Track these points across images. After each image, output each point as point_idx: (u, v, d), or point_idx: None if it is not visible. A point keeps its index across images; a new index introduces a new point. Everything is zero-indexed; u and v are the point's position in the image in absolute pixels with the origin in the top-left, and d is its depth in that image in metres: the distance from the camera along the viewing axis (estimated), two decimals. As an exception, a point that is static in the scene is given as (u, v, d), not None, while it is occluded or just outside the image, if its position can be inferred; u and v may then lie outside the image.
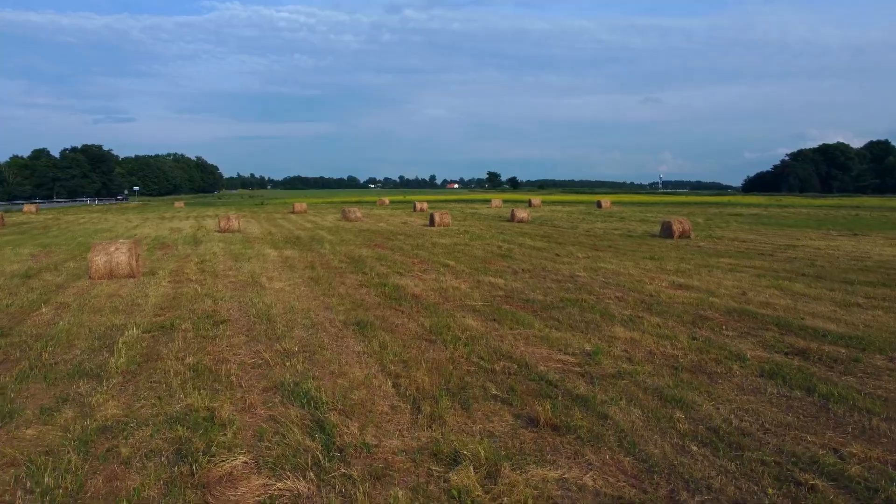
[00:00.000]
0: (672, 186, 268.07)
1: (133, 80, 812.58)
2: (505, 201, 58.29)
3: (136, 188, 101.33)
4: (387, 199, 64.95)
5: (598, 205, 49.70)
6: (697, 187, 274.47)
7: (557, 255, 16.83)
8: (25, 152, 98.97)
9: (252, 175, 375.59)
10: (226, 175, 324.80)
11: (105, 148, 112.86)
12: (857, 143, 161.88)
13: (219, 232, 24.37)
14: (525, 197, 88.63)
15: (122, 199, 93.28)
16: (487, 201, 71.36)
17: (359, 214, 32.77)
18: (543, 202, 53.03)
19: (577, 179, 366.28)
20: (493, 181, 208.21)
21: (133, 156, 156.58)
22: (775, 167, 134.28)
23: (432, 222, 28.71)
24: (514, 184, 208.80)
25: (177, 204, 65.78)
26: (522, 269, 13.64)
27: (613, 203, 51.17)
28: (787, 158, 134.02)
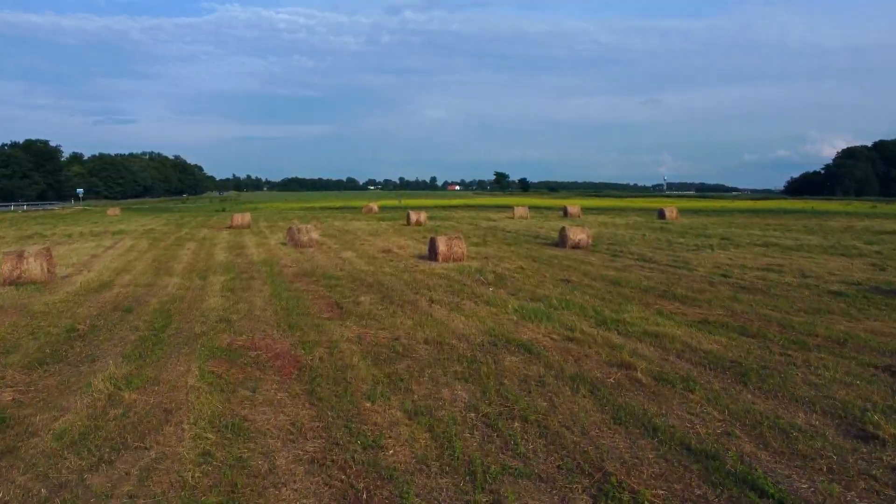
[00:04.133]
0: (675, 188, 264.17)
1: (133, 81, 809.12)
2: (532, 208, 45.57)
3: (79, 191, 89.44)
4: (375, 206, 52.96)
5: (661, 214, 37.86)
6: (702, 189, 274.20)
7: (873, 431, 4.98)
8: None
9: (248, 176, 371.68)
10: (221, 177, 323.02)
11: (53, 144, 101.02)
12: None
13: (1, 284, 12.52)
14: (548, 202, 76.04)
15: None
16: (504, 208, 59.33)
17: (314, 236, 20.99)
18: (583, 210, 41.00)
19: (579, 181, 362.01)
20: (500, 183, 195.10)
21: (97, 154, 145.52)
22: (827, 167, 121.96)
23: (434, 252, 16.94)
24: (524, 186, 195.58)
25: (110, 211, 54.06)
26: None
27: (679, 212, 39.20)
28: (838, 157, 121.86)
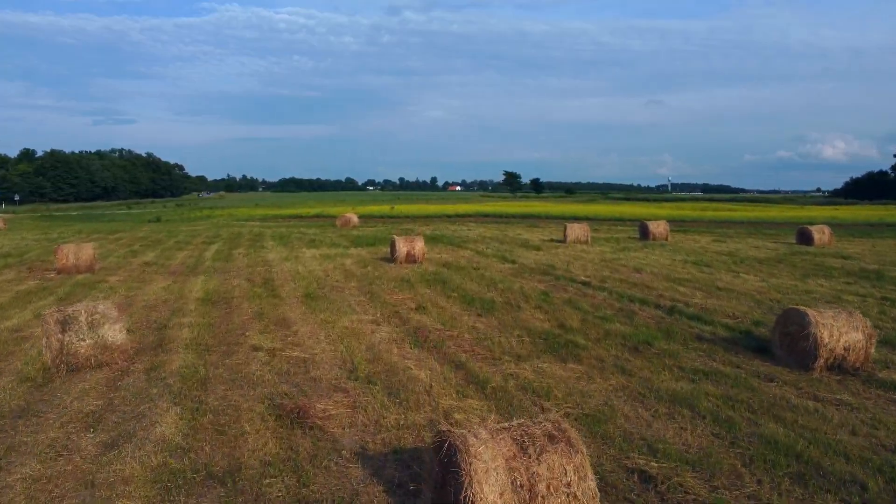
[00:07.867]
0: (678, 189, 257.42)
1: (132, 81, 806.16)
2: (589, 219, 29.93)
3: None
4: (355, 216, 39.39)
5: (805, 237, 24.63)
6: (707, 190, 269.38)
7: None
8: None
9: (244, 176, 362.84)
10: (220, 177, 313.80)
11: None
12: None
13: None
14: (587, 209, 60.88)
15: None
16: (531, 219, 45.93)
17: (110, 338, 7.72)
18: (671, 226, 27.20)
19: (583, 182, 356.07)
20: (511, 184, 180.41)
21: (49, 150, 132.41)
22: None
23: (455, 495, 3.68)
24: (536, 187, 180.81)
25: (-8, 222, 40.72)
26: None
27: (829, 226, 25.40)
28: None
